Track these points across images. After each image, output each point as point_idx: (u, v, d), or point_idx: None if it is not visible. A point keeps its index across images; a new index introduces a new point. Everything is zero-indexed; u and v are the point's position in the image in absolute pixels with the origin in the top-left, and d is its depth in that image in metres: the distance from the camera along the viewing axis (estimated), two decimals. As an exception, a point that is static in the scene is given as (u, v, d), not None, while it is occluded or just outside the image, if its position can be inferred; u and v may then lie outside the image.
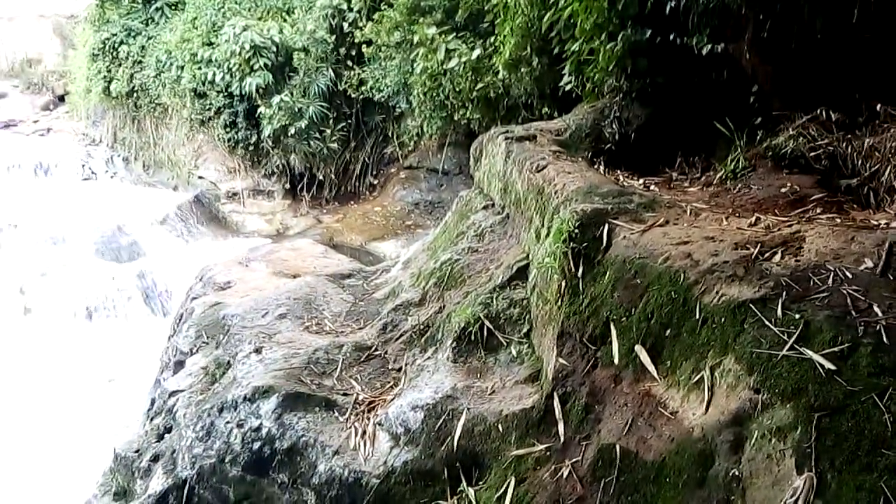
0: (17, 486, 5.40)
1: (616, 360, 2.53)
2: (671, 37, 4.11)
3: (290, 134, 10.42)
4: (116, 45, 12.87)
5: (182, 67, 11.37)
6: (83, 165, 13.24)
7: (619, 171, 3.79)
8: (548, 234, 3.12)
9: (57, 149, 13.96)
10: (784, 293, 2.12)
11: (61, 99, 18.08)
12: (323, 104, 10.41)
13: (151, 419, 4.17)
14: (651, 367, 2.41)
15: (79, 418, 6.10)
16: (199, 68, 10.95)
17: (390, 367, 3.46)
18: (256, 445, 3.06)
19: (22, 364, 7.06)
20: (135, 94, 12.96)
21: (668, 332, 2.42)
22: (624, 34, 4.18)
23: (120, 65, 12.92)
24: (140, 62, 12.61)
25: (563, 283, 2.81)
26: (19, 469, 5.57)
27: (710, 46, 3.97)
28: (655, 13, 4.14)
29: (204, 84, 11.01)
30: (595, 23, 4.55)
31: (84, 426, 5.96)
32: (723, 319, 2.23)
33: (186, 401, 3.61)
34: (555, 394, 2.62)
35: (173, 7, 12.72)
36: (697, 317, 2.31)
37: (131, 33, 12.83)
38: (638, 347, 2.48)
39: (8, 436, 5.94)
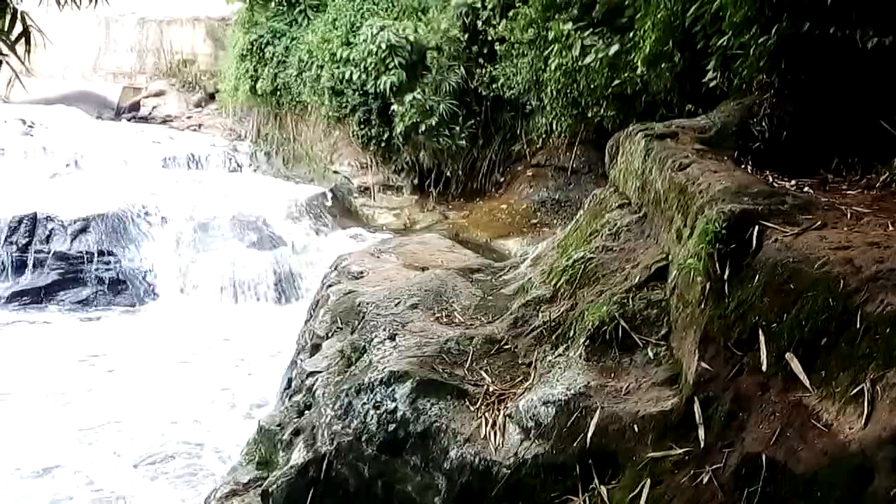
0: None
1: (764, 368, 2.43)
2: (831, 29, 3.85)
3: (420, 131, 10.65)
4: (263, 46, 13.64)
5: (322, 67, 11.89)
6: (230, 159, 14.17)
7: (768, 172, 3.60)
8: (690, 235, 3.02)
9: (207, 143, 15.05)
10: (961, 305, 1.96)
11: (212, 97, 19.41)
12: (453, 102, 10.56)
13: (291, 397, 4.43)
14: (803, 377, 2.29)
15: (226, 389, 6.57)
16: (338, 67, 11.40)
17: (520, 362, 3.48)
18: (391, 427, 3.18)
19: (180, 339, 7.70)
20: (278, 93, 13.69)
21: (824, 340, 2.29)
22: (779, 27, 3.96)
23: (265, 65, 13.68)
24: (284, 62, 13.31)
25: (708, 286, 2.72)
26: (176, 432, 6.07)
27: (875, 40, 3.69)
28: (813, 4, 3.90)
29: (341, 82, 11.47)
30: (745, 15, 4.34)
31: (232, 396, 6.41)
32: (887, 330, 2.09)
33: (325, 381, 3.80)
34: (695, 398, 2.54)
35: (315, 9, 13.31)
36: (858, 326, 2.17)
37: (276, 35, 13.55)
38: (789, 355, 2.36)
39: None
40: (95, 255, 9.00)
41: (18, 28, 3.52)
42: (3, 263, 8.87)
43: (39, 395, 6.48)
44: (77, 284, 8.87)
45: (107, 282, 8.88)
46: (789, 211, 2.82)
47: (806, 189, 3.36)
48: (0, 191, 9.86)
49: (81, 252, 9.00)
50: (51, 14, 4.07)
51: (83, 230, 9.18)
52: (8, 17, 3.47)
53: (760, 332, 2.49)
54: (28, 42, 3.57)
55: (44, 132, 14.18)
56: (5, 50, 3.54)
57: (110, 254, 9.08)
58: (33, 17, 3.56)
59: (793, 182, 3.50)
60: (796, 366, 2.33)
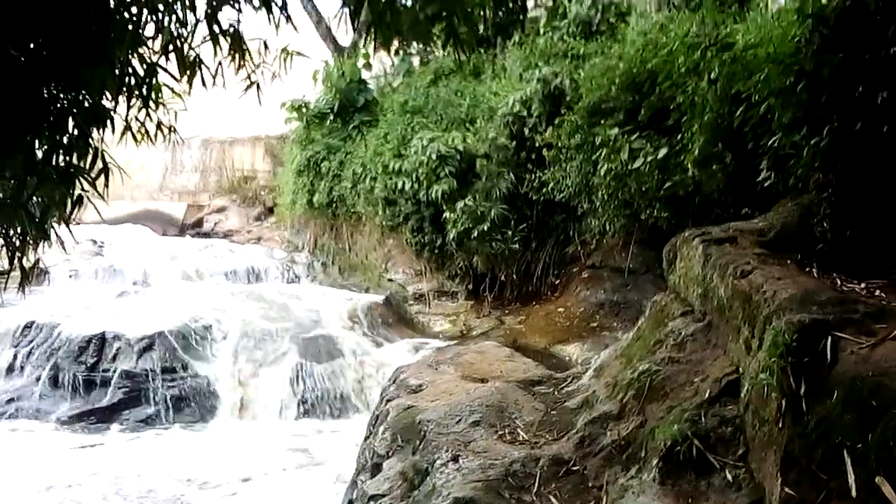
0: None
1: (853, 493, 2.26)
2: (884, 128, 3.81)
3: (472, 236, 10.77)
4: (319, 162, 14.28)
5: (375, 178, 12.32)
6: (287, 270, 14.58)
7: (835, 275, 3.49)
8: (760, 347, 2.92)
9: (266, 256, 15.55)
10: None
11: (270, 211, 20.26)
12: (504, 207, 10.70)
13: (352, 522, 4.31)
14: (898, 504, 2.12)
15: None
16: (390, 178, 11.80)
17: (590, 485, 3.33)
18: (458, 561, 3.05)
19: (240, 458, 7.65)
20: (333, 205, 14.20)
21: (916, 463, 2.14)
22: (830, 127, 3.95)
23: (321, 178, 14.27)
24: (338, 175, 13.86)
25: (784, 403, 2.59)
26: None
27: (933, 136, 3.63)
28: (864, 103, 3.89)
29: (394, 192, 11.82)
30: (794, 116, 4.35)
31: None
32: None
33: (387, 507, 3.70)
34: (783, 528, 2.37)
35: (368, 124, 13.96)
36: (953, 447, 2.03)
37: (332, 150, 14.20)
38: (879, 479, 2.20)
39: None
40: (159, 372, 9.16)
41: (99, 164, 3.77)
42: (73, 383, 9.10)
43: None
44: (141, 402, 8.99)
45: (170, 399, 8.99)
46: (862, 320, 2.70)
47: (877, 293, 3.22)
48: (72, 312, 10.26)
49: (146, 369, 9.18)
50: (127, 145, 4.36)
51: (148, 348, 9.40)
52: (90, 156, 3.72)
53: (845, 453, 2.34)
54: (107, 177, 3.82)
55: (112, 251, 14.87)
56: (86, 186, 3.79)
57: (173, 370, 9.23)
58: (110, 149, 3.81)
59: (862, 285, 3.37)
60: (888, 491, 2.16)
